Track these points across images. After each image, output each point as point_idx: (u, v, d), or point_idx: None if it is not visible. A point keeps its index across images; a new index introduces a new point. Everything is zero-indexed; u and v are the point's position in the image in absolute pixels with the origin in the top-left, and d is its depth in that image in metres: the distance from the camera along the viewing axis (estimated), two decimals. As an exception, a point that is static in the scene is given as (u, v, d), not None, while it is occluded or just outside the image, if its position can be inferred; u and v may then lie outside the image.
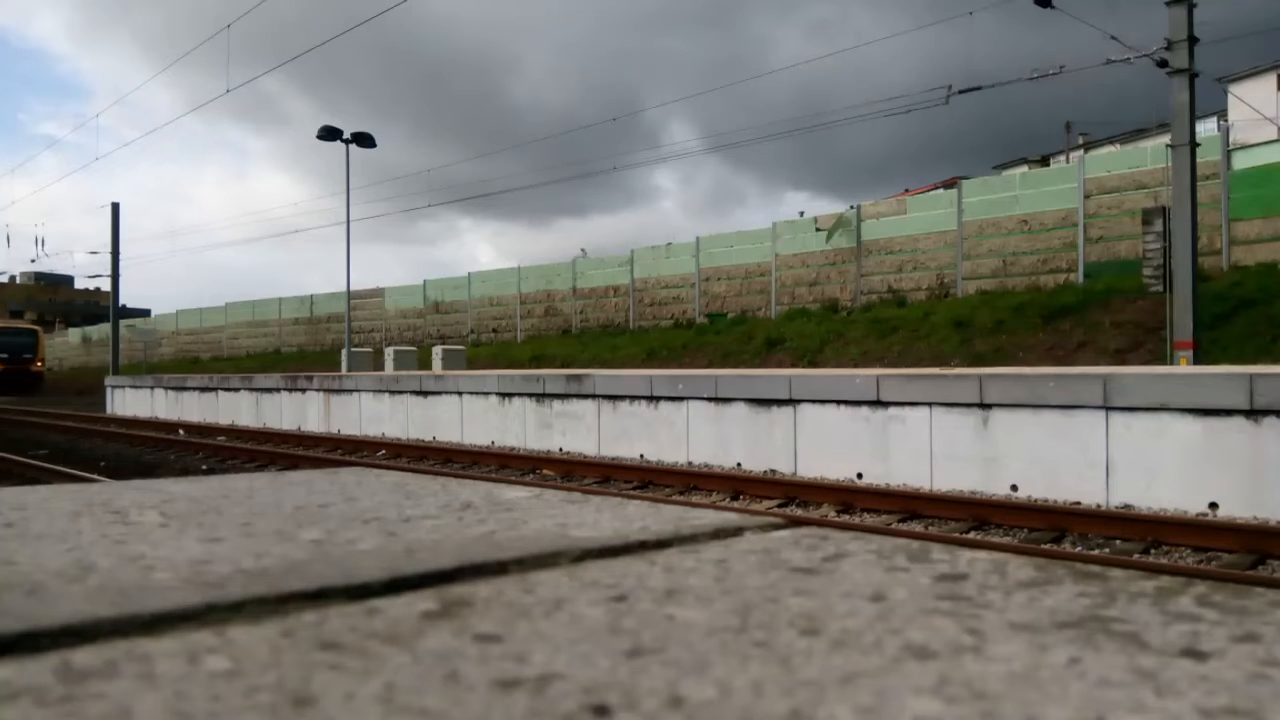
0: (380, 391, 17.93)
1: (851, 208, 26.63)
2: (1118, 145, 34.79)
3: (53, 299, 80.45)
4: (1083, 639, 0.72)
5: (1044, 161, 38.71)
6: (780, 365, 21.91)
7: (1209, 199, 19.63)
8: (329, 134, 21.27)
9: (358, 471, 1.90)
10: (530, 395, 14.75)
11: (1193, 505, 8.02)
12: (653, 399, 12.79)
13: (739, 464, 11.57)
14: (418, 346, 30.30)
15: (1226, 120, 28.11)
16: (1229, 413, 7.89)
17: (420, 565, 0.96)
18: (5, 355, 39.30)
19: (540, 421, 14.58)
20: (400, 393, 17.39)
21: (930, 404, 9.84)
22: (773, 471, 11.10)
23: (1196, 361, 14.54)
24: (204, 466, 14.27)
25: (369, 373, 21.23)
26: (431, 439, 16.25)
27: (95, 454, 15.96)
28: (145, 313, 62.64)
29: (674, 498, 9.82)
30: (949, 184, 30.23)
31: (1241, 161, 20.64)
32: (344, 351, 21.95)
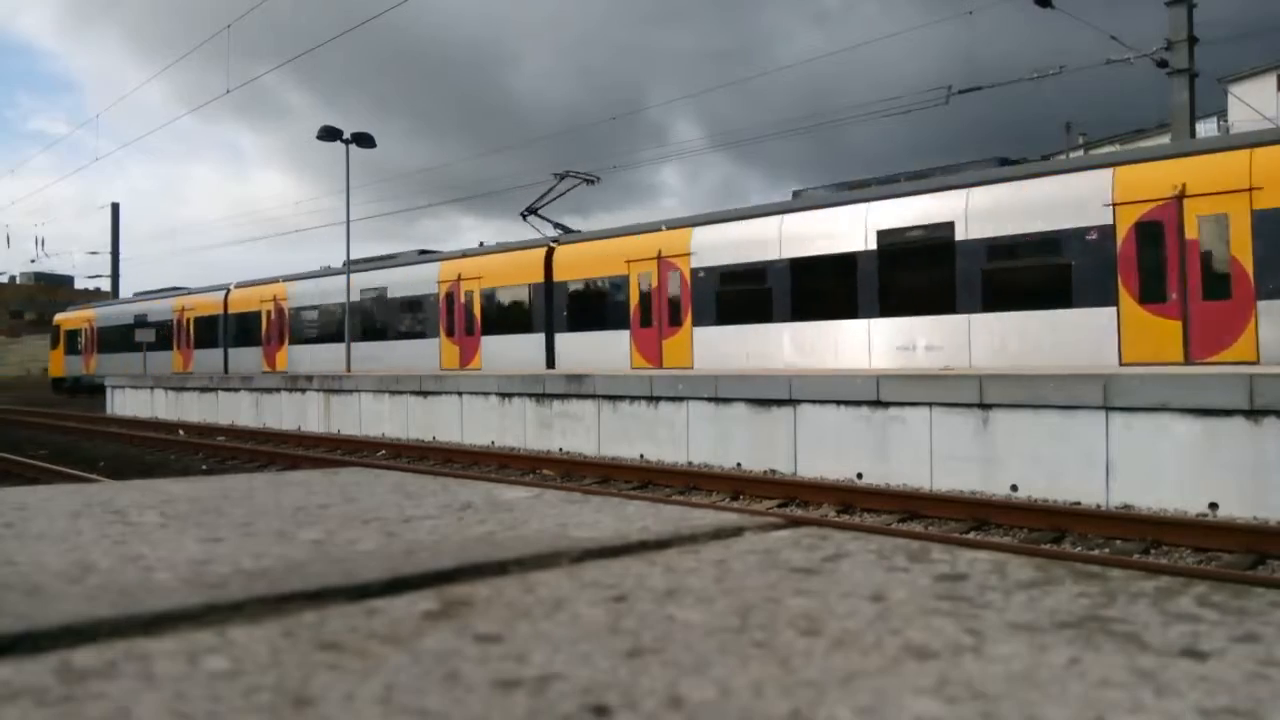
0: (380, 391, 17.93)
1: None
2: (1118, 145, 34.77)
3: (53, 299, 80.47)
4: (1083, 639, 0.72)
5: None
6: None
7: (1210, 199, 19.51)
8: (329, 134, 21.26)
9: (357, 472, 1.90)
10: (530, 395, 14.74)
11: (1193, 505, 8.02)
12: (652, 399, 12.79)
13: (739, 464, 11.56)
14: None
15: (1227, 120, 28.10)
16: (1229, 413, 7.89)
17: (420, 565, 0.96)
18: None
19: (540, 421, 14.58)
20: (400, 393, 17.39)
21: (930, 404, 9.84)
22: (773, 471, 11.10)
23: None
24: (204, 466, 14.27)
25: (369, 373, 21.24)
26: (431, 439, 16.25)
27: (95, 454, 15.96)
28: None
29: (674, 498, 9.81)
30: (949, 184, 30.09)
31: (1242, 161, 20.55)
32: (345, 350, 21.95)
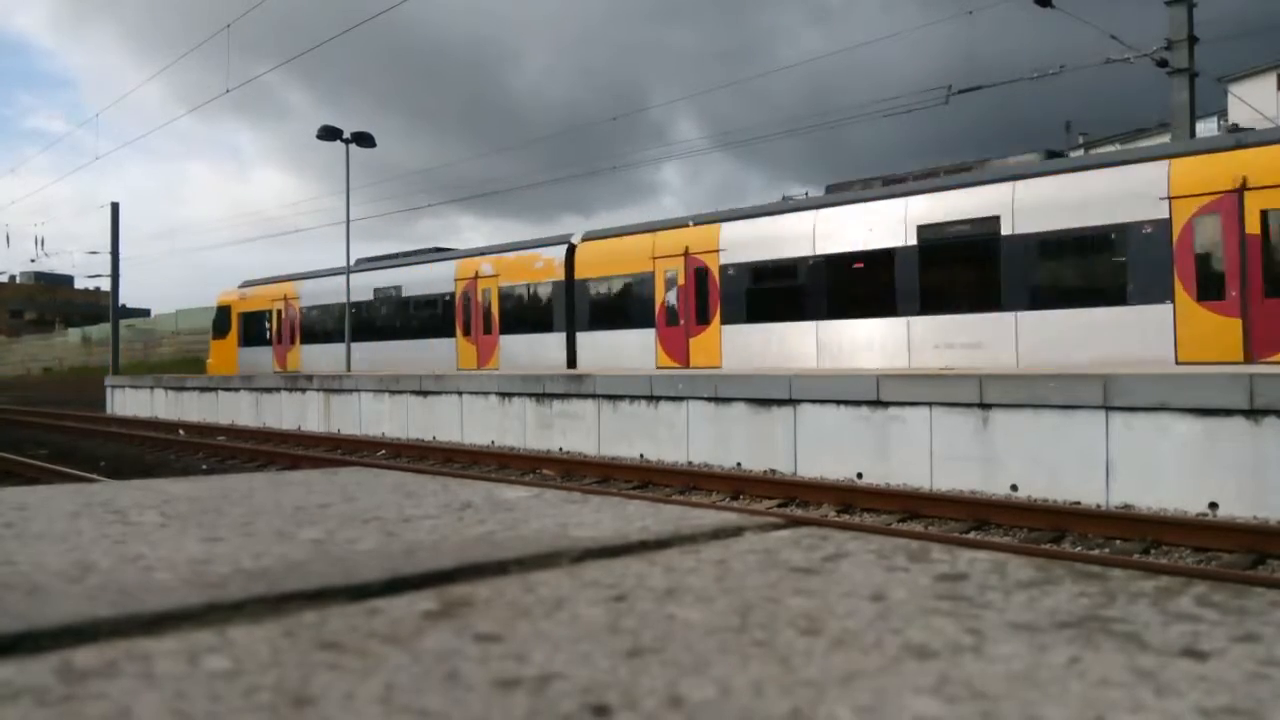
0: (380, 391, 17.94)
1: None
2: (1118, 145, 34.78)
3: (53, 299, 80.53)
4: (1083, 639, 0.72)
5: (1044, 161, 38.55)
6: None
7: (1211, 199, 19.43)
8: (329, 134, 21.28)
9: (357, 471, 1.90)
10: (530, 395, 14.74)
11: (1193, 505, 8.02)
12: (653, 399, 12.79)
13: (739, 464, 11.57)
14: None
15: (1227, 120, 28.11)
16: (1229, 413, 7.89)
17: (420, 565, 0.96)
18: None
19: (540, 421, 14.58)
20: (400, 392, 17.39)
21: (930, 404, 9.84)
22: (773, 471, 11.10)
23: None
24: (204, 466, 14.27)
25: (369, 372, 21.23)
26: (431, 439, 16.25)
27: (95, 454, 15.96)
28: (145, 313, 62.64)
29: (674, 497, 9.82)
30: (951, 184, 29.92)
31: (1243, 161, 20.50)
32: (345, 350, 21.89)
